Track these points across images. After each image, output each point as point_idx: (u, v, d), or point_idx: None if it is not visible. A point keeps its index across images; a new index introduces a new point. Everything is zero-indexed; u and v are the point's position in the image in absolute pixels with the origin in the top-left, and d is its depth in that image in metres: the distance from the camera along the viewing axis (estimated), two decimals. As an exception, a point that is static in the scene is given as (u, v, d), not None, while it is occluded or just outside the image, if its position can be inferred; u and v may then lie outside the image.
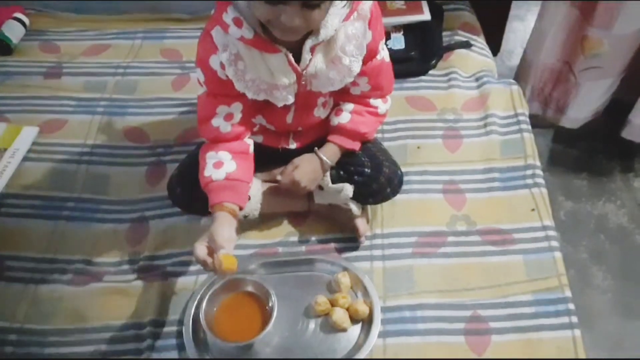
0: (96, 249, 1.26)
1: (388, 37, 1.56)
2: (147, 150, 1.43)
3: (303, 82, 1.06)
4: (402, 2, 1.60)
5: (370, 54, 1.09)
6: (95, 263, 1.24)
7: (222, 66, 1.01)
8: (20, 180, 1.38)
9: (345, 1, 0.98)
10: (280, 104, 1.07)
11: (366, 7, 1.02)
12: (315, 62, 1.02)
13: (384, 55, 1.14)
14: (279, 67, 1.00)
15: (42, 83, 1.60)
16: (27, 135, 1.46)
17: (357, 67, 1.06)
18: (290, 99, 1.06)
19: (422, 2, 1.60)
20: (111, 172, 1.39)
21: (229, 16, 0.96)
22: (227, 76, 1.03)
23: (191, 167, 1.19)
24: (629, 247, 1.64)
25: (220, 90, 1.05)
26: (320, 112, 1.19)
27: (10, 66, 1.66)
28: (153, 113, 1.51)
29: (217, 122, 1.07)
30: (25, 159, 1.42)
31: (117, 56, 1.67)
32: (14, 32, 1.70)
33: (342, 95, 1.18)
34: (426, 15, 1.58)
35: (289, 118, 1.15)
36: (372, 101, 1.17)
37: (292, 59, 1.00)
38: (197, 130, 1.40)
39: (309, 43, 0.99)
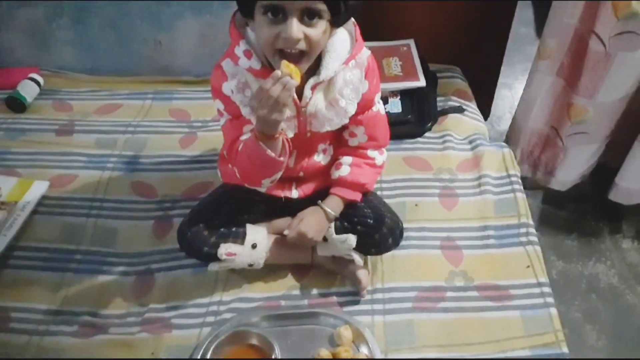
0: (102, 301, 1.27)
1: (386, 102, 1.64)
2: (155, 205, 1.47)
3: (302, 119, 1.13)
4: (399, 69, 1.70)
5: (366, 105, 1.19)
6: (101, 315, 1.25)
7: (232, 92, 1.10)
8: (29, 233, 1.40)
9: (346, 45, 1.09)
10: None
11: (364, 57, 1.14)
12: (315, 101, 1.11)
13: (379, 107, 1.24)
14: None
15: (54, 139, 1.65)
16: (38, 189, 1.48)
17: (352, 109, 1.15)
18: (290, 133, 1.12)
19: (418, 69, 1.70)
20: (119, 226, 1.42)
21: (240, 49, 1.06)
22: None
23: (202, 212, 1.25)
24: (620, 306, 1.66)
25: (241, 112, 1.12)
26: (320, 158, 1.26)
27: (24, 123, 1.71)
28: (161, 169, 1.56)
29: (246, 137, 1.12)
30: (35, 212, 1.44)
31: (128, 115, 1.73)
32: (28, 91, 1.77)
33: (341, 148, 1.26)
34: (421, 82, 1.66)
35: (291, 162, 1.22)
36: (370, 152, 1.25)
37: (294, 93, 1.07)
38: (203, 185, 1.49)
39: (310, 82, 1.09)
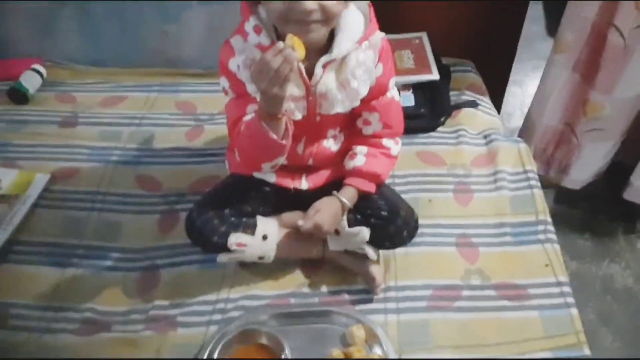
0: (105, 298, 1.23)
1: (398, 95, 1.60)
2: (160, 199, 1.43)
3: (312, 99, 1.09)
4: (412, 62, 1.66)
5: (380, 89, 1.15)
6: (103, 312, 1.20)
7: (239, 68, 1.07)
8: (30, 227, 1.36)
9: (360, 25, 1.06)
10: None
11: (378, 38, 1.10)
12: (325, 80, 1.07)
13: (394, 93, 1.20)
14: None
15: (57, 132, 1.61)
16: (39, 182, 1.44)
17: (364, 91, 1.11)
18: (298, 115, 1.09)
19: (431, 62, 1.66)
20: (123, 220, 1.38)
21: (250, 24, 1.04)
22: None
23: (211, 201, 1.21)
24: (636, 308, 1.63)
25: (246, 90, 1.09)
26: (330, 144, 1.22)
27: (26, 115, 1.66)
28: (167, 162, 1.52)
29: (249, 118, 1.08)
30: (36, 205, 1.40)
31: (133, 107, 1.69)
32: (31, 82, 1.73)
33: (355, 137, 1.22)
34: (435, 75, 1.63)
35: (300, 148, 1.18)
36: (385, 142, 1.21)
37: (304, 71, 1.05)
38: (210, 179, 1.44)
39: (322, 60, 1.05)
